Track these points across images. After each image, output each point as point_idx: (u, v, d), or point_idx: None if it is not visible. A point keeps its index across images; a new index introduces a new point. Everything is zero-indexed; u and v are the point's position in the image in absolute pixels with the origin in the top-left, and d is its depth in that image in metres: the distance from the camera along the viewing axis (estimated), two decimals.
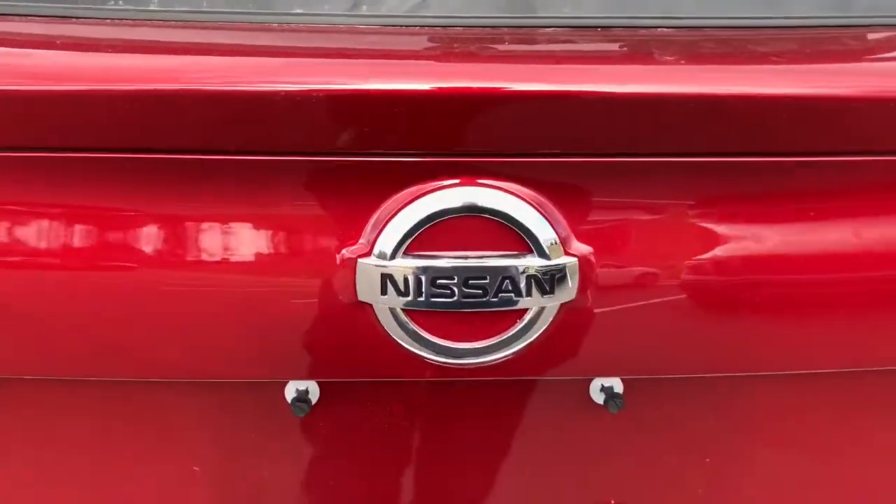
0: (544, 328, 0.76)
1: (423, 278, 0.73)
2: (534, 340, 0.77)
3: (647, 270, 0.76)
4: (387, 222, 0.74)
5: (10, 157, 0.71)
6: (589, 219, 0.76)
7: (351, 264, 0.74)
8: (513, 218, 0.74)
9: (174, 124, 0.70)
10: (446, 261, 0.73)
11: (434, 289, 0.73)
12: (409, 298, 0.74)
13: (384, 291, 0.74)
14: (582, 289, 0.75)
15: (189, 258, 0.74)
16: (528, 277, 0.74)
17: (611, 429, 0.87)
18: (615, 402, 0.85)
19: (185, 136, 0.71)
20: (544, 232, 0.74)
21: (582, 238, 0.76)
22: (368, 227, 0.74)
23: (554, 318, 0.76)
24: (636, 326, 0.78)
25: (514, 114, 0.70)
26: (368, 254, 0.74)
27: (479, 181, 0.73)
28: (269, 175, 0.73)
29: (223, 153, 0.71)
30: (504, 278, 0.73)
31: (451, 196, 0.73)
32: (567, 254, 0.74)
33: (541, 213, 0.74)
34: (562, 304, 0.75)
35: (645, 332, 0.78)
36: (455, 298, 0.73)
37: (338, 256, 0.74)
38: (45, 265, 0.74)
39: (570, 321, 0.77)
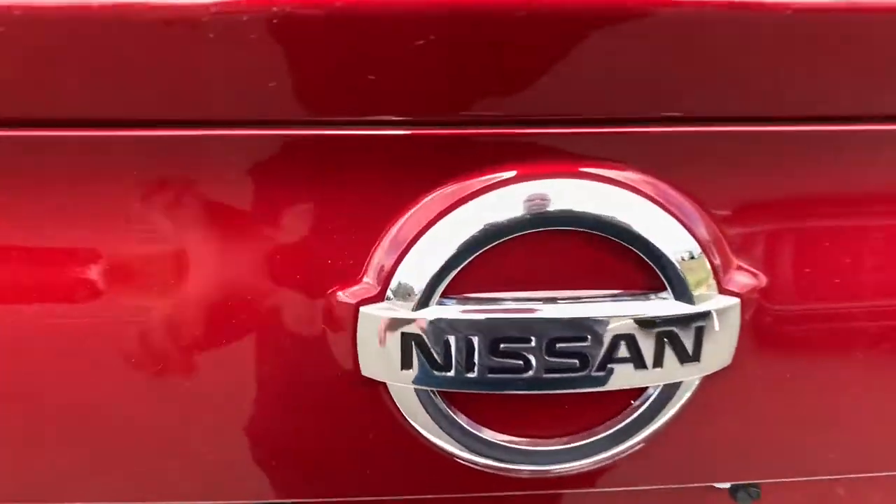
0: (675, 414, 0.51)
1: (475, 340, 0.47)
2: (656, 434, 0.52)
3: (864, 312, 0.51)
4: (409, 246, 0.47)
5: None
6: (761, 231, 0.49)
7: (347, 316, 0.48)
8: (629, 231, 0.47)
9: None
10: (514, 307, 0.47)
11: (495, 358, 0.47)
12: (451, 374, 0.48)
13: (407, 363, 0.48)
14: (747, 350, 0.50)
15: (82, 312, 0.48)
16: (659, 335, 0.47)
17: None
18: (748, 492, 0.65)
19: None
20: (684, 253, 0.47)
21: (749, 262, 0.50)
22: (377, 255, 0.48)
23: (692, 397, 0.51)
24: (835, 408, 0.53)
25: (623, 44, 0.43)
26: (378, 297, 0.48)
27: (577, 169, 0.46)
28: (207, 163, 0.46)
29: (120, 125, 0.44)
30: (616, 338, 0.47)
31: (519, 195, 0.46)
32: (724, 291, 0.49)
33: (679, 220, 0.47)
34: (706, 376, 0.50)
35: (849, 416, 0.53)
36: (531, 373, 0.48)
37: (326, 303, 0.48)
38: None
39: (721, 403, 0.52)
